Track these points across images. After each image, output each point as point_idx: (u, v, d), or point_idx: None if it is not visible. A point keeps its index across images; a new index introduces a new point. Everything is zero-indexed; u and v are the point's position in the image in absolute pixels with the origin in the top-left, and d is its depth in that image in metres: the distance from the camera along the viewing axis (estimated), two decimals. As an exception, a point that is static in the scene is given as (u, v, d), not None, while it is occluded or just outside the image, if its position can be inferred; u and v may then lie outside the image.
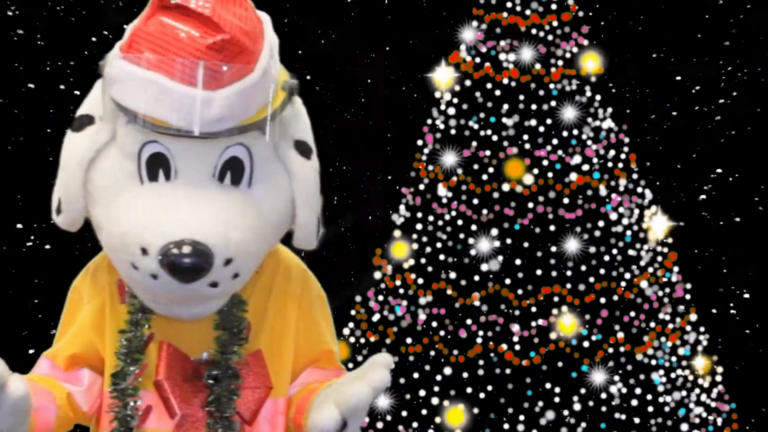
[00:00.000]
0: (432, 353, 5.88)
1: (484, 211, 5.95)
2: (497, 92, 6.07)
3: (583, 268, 5.89)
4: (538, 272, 5.88)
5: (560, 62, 6.09)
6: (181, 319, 1.86)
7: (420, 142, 6.14)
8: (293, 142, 1.86)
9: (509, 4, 6.12)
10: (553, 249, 5.88)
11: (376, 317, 5.99)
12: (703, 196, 6.67)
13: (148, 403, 1.86)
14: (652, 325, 5.91)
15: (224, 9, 1.71)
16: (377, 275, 6.03)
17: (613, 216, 5.98)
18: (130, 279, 1.78)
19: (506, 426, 5.76)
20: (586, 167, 6.00)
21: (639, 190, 6.09)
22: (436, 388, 5.83)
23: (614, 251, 5.95)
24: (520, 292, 5.88)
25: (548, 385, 5.77)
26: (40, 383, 1.88)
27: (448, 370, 5.82)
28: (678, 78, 6.71)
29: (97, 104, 1.83)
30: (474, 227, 5.95)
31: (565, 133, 6.00)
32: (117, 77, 1.72)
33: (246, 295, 1.91)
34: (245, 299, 1.90)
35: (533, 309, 5.84)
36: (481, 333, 5.85)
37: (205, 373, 1.86)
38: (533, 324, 5.83)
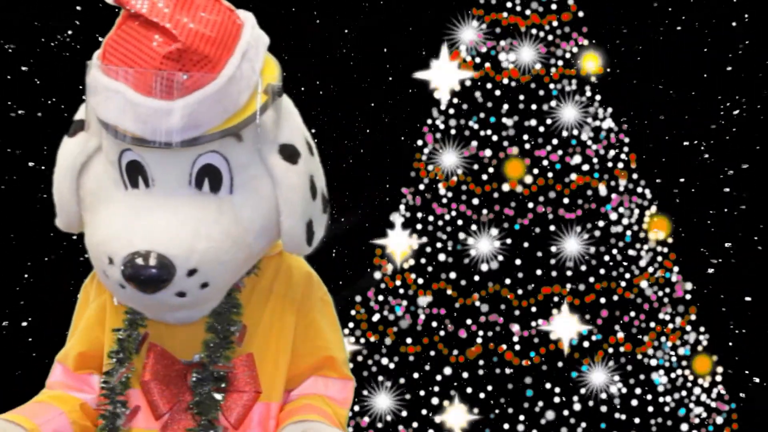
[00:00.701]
0: (432, 353, 5.88)
1: (484, 211, 5.96)
2: (497, 92, 6.07)
3: (583, 268, 5.89)
4: (538, 272, 5.88)
5: (560, 62, 6.09)
6: (166, 323, 1.86)
7: (420, 142, 6.14)
8: (278, 147, 1.82)
9: (509, 4, 6.12)
10: (553, 249, 5.88)
11: (376, 317, 5.99)
12: (703, 196, 6.67)
13: (137, 403, 1.86)
14: (652, 325, 5.91)
15: (186, 15, 1.68)
16: (377, 275, 6.03)
17: (613, 216, 5.98)
18: (106, 286, 1.80)
19: (506, 426, 5.76)
20: (586, 167, 6.00)
21: (639, 190, 6.09)
22: (436, 388, 5.83)
23: (614, 251, 5.95)
24: (520, 292, 5.87)
25: (548, 385, 5.77)
26: (50, 403, 1.89)
27: (448, 370, 5.82)
28: (678, 77, 6.71)
29: None
30: (474, 227, 5.95)
31: (565, 133, 6.00)
32: (90, 86, 1.73)
33: (244, 298, 1.90)
34: (240, 302, 1.88)
35: (533, 309, 5.84)
36: (481, 333, 5.85)
37: (191, 375, 1.85)
38: (533, 324, 5.83)
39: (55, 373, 1.99)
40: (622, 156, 6.09)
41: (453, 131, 6.08)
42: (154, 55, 1.66)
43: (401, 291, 6.00)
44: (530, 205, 5.94)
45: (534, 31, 6.08)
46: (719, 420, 5.88)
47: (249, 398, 1.86)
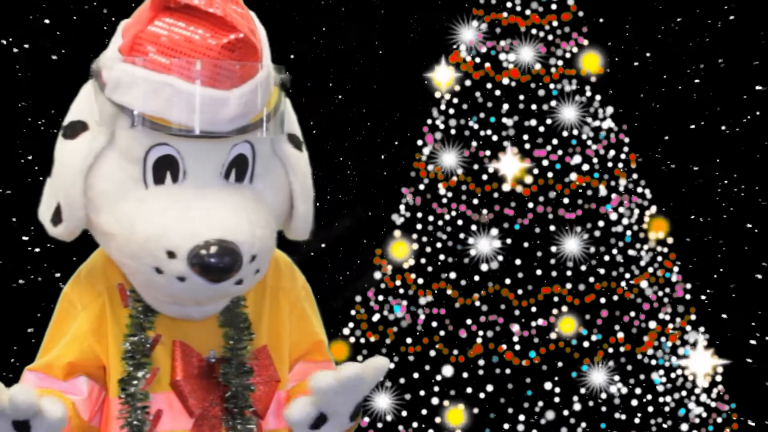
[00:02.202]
0: (432, 353, 5.88)
1: (484, 211, 5.95)
2: (497, 92, 6.07)
3: (583, 268, 5.89)
4: (538, 272, 5.88)
5: (560, 62, 6.09)
6: (191, 320, 1.86)
7: (420, 142, 6.14)
8: (287, 136, 1.88)
9: (509, 4, 6.12)
10: (553, 249, 5.88)
11: (376, 317, 5.99)
12: (703, 196, 6.66)
13: (158, 407, 1.85)
14: (652, 325, 5.91)
15: (229, 8, 1.71)
16: (377, 275, 6.03)
17: (613, 216, 5.98)
18: (153, 283, 1.76)
19: (506, 426, 5.76)
20: (586, 167, 6.00)
21: (639, 190, 6.09)
22: (436, 388, 5.83)
23: (614, 251, 5.95)
24: (520, 292, 5.87)
25: (548, 385, 5.77)
26: (55, 397, 1.84)
27: (448, 370, 5.82)
28: (679, 77, 6.71)
29: (89, 109, 1.80)
30: (474, 227, 5.95)
31: (565, 133, 6.00)
32: (121, 81, 1.70)
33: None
34: (243, 296, 1.91)
35: (533, 309, 5.84)
36: (481, 333, 5.85)
37: (218, 370, 1.86)
38: (533, 324, 5.83)
39: (26, 380, 1.89)
40: (622, 156, 6.09)
41: (453, 131, 6.08)
42: (210, 45, 1.67)
43: (401, 291, 6.00)
44: (530, 205, 5.94)
45: (534, 31, 6.08)
46: (719, 420, 5.88)
47: (271, 388, 1.89)
